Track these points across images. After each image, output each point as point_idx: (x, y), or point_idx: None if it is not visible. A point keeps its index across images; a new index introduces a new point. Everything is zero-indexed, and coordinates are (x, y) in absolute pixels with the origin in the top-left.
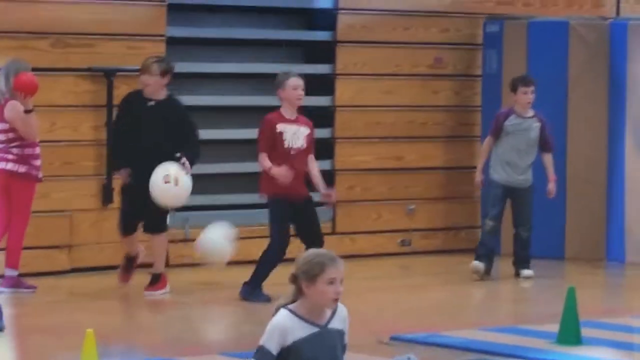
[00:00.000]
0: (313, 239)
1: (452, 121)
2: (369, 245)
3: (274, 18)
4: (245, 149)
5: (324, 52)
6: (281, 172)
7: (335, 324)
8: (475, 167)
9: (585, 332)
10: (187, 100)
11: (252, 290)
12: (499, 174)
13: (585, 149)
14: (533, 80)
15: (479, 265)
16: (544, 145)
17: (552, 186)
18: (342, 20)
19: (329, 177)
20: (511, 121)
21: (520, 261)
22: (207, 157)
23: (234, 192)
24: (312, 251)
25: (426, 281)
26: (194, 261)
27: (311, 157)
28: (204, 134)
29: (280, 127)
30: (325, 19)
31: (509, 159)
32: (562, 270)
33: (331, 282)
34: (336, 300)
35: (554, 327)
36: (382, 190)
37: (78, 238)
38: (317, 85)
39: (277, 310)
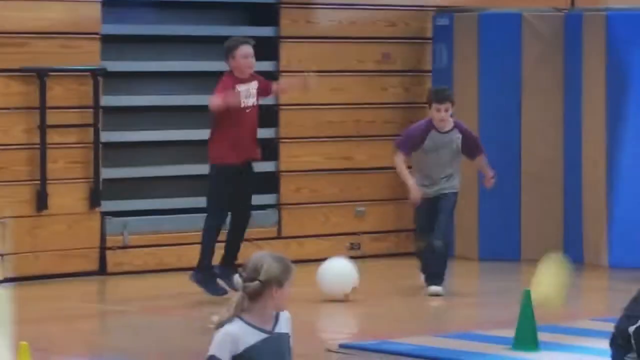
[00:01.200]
0: (240, 208)
1: (402, 119)
2: (317, 250)
3: (214, 13)
4: (187, 151)
5: (267, 49)
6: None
7: (281, 328)
8: None
9: (543, 336)
10: (125, 100)
11: (204, 277)
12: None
13: (541, 146)
14: (449, 97)
15: (437, 289)
16: (472, 153)
17: (489, 181)
18: (286, 14)
19: (273, 178)
20: (431, 139)
21: (431, 275)
22: (147, 159)
23: (175, 195)
24: (271, 256)
25: (377, 286)
26: (133, 269)
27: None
28: (143, 135)
29: (238, 86)
30: (268, 13)
31: (428, 173)
32: (518, 273)
33: (291, 283)
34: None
35: (510, 332)
36: (331, 192)
37: (12, 246)
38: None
39: (218, 326)
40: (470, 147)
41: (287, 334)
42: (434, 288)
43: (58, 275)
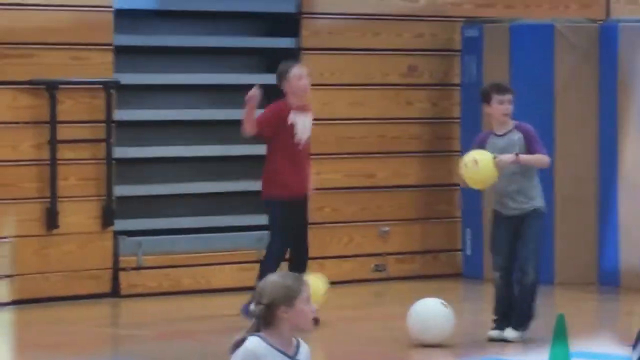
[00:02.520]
0: (298, 243)
1: (428, 135)
2: (340, 271)
3: (231, 23)
4: (204, 168)
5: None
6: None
7: (301, 357)
8: (454, 185)
9: None
10: (138, 114)
11: None
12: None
13: (575, 163)
14: (511, 88)
15: (497, 334)
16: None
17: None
18: (306, 25)
19: None
20: (490, 146)
21: (502, 317)
22: (162, 176)
23: (192, 214)
24: (276, 276)
25: (403, 310)
26: (147, 291)
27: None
28: (158, 151)
29: (292, 117)
30: (288, 24)
31: (496, 189)
32: (551, 297)
33: (307, 300)
34: (314, 319)
35: (543, 358)
36: (353, 210)
37: (20, 267)
38: (280, 96)
39: (233, 347)
40: (529, 151)
41: None
42: (511, 333)
43: (68, 298)
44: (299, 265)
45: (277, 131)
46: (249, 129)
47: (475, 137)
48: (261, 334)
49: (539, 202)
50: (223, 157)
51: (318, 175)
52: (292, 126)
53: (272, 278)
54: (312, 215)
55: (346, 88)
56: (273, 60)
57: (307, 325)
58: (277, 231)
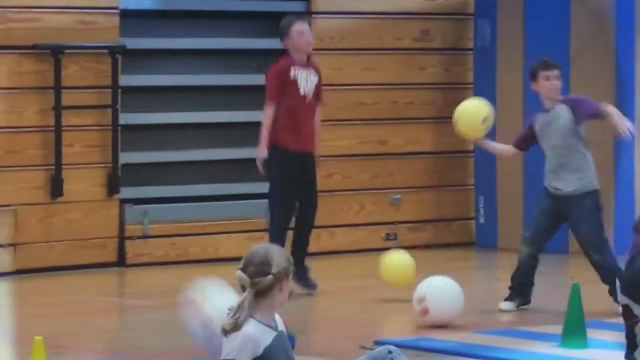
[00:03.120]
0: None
1: (441, 100)
2: (350, 240)
3: None
4: (212, 134)
5: None
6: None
7: (280, 327)
8: (467, 152)
9: (592, 333)
10: (145, 80)
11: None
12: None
13: (591, 129)
14: (557, 64)
15: (508, 305)
16: (595, 115)
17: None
18: None
19: None
20: (538, 123)
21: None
22: (169, 143)
23: (199, 182)
24: (273, 247)
25: (415, 279)
26: (154, 260)
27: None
28: (165, 117)
29: (294, 72)
30: None
31: (547, 166)
32: (566, 266)
33: None
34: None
35: (558, 329)
36: (364, 178)
37: (24, 236)
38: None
39: (234, 328)
40: (586, 112)
41: (284, 330)
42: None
43: (74, 267)
44: (302, 228)
45: (283, 90)
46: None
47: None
48: (254, 314)
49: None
50: (231, 123)
51: (329, 141)
52: (294, 81)
53: (276, 249)
54: (322, 182)
55: (357, 53)
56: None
57: (286, 302)
58: (275, 193)
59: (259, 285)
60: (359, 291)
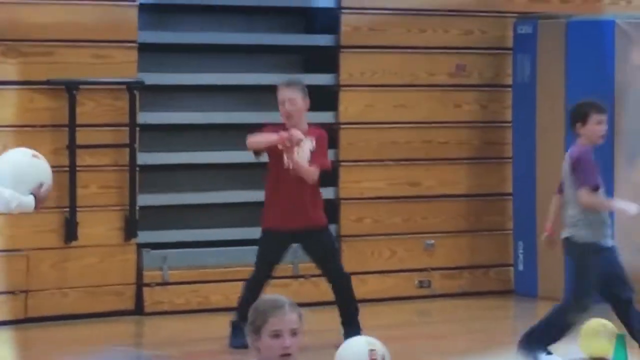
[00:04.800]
0: (331, 277)
1: (478, 140)
2: (382, 288)
3: (266, 20)
4: (234, 175)
5: (326, 59)
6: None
7: None
8: (505, 194)
9: None
10: (164, 117)
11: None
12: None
13: (637, 172)
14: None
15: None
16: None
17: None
18: (347, 21)
19: (332, 207)
20: None
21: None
22: (189, 184)
23: (221, 226)
24: (264, 297)
25: (449, 329)
26: (173, 308)
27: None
28: (184, 157)
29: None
30: (327, 20)
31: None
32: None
33: (276, 334)
34: (285, 356)
35: None
36: (396, 222)
37: (36, 282)
38: (318, 98)
39: None
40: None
41: None
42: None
43: (88, 315)
44: (340, 287)
45: (267, 153)
46: (253, 147)
47: (586, 159)
48: None
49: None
50: (255, 164)
51: (358, 183)
52: (280, 150)
53: (260, 298)
54: (351, 227)
55: (389, 89)
56: (311, 59)
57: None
58: (257, 261)
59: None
60: (392, 341)
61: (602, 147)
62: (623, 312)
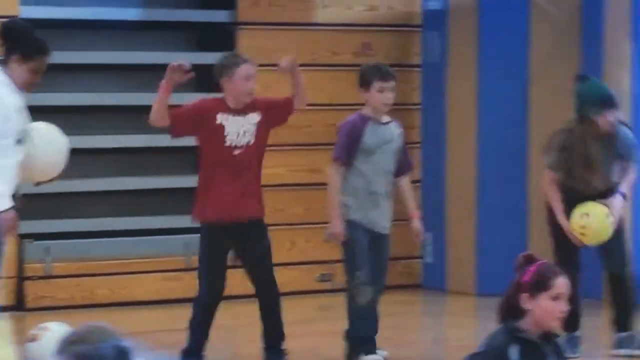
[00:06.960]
0: (258, 277)
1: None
2: (281, 281)
3: None
4: (123, 161)
5: (222, 37)
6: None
7: None
8: (414, 182)
9: None
10: (47, 98)
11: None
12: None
13: None
14: (393, 74)
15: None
16: (402, 166)
17: (417, 224)
18: None
19: None
20: (371, 133)
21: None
22: (74, 170)
23: (109, 215)
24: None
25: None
26: (57, 303)
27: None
28: (69, 141)
29: (222, 117)
30: None
31: (368, 188)
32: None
33: None
34: None
35: None
36: (297, 211)
37: None
38: (214, 77)
39: None
40: (402, 158)
41: None
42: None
43: None
44: (268, 306)
45: (197, 132)
46: (158, 117)
47: (344, 126)
48: None
49: None
50: (147, 148)
51: None
52: (220, 128)
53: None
54: None
55: None
56: (205, 36)
57: None
58: (202, 270)
59: None
60: (292, 338)
61: (516, 129)
62: None
